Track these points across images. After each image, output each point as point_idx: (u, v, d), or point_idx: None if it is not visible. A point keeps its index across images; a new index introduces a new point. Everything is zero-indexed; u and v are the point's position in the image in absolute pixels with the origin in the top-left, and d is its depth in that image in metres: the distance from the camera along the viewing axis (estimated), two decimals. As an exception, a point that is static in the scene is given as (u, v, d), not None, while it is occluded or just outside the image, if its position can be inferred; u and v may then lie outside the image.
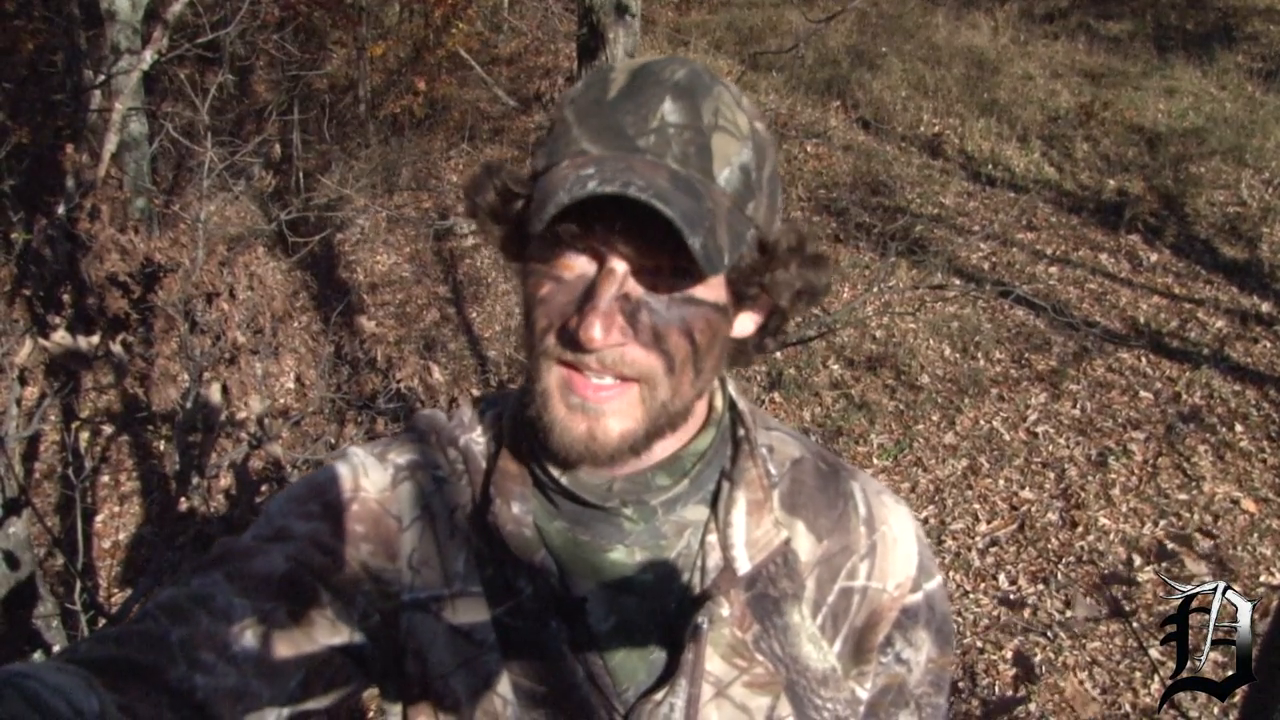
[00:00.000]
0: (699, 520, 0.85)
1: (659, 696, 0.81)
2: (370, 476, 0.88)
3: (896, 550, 0.90)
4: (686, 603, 0.84)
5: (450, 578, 0.85)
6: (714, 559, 0.84)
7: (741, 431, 0.89)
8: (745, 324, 0.84)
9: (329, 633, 0.80)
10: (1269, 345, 5.92)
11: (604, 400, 0.75)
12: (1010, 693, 3.76)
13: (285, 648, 0.77)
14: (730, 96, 0.77)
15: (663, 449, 0.83)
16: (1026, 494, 4.97)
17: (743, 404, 0.91)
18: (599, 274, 0.73)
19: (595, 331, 0.71)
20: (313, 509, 0.85)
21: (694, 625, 0.81)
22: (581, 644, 0.83)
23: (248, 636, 0.75)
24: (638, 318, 0.74)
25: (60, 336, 2.79)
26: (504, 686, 0.82)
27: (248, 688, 0.74)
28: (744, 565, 0.84)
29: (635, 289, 0.74)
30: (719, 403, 0.89)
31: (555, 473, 0.83)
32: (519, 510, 0.84)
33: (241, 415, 3.25)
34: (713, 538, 0.85)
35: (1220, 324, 6.18)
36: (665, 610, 0.84)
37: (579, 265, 0.74)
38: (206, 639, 0.73)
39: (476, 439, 0.90)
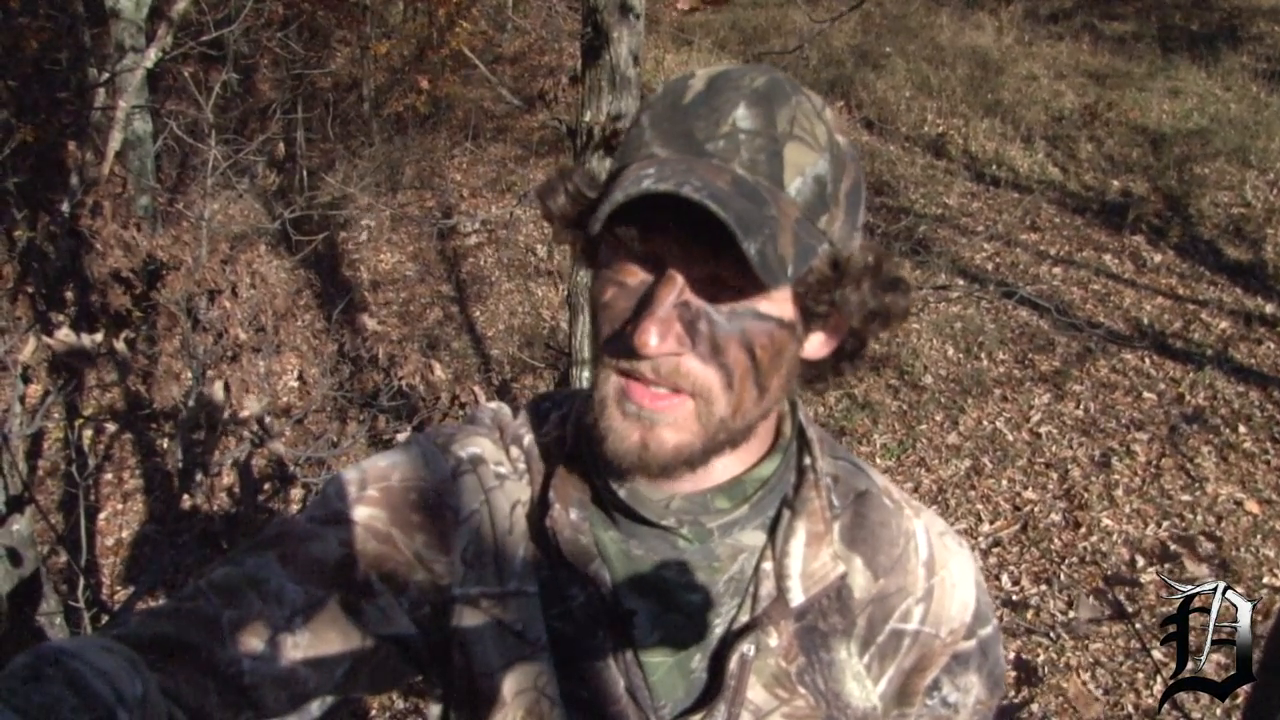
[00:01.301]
0: (755, 546, 0.84)
1: (696, 718, 0.81)
2: (431, 466, 0.87)
3: (954, 596, 0.88)
4: (734, 628, 0.83)
5: (505, 576, 0.84)
6: (767, 587, 0.82)
7: (807, 460, 0.87)
8: (816, 344, 0.81)
9: (379, 622, 0.80)
10: (1273, 346, 5.91)
11: (660, 410, 0.73)
12: (1013, 693, 3.76)
13: (334, 636, 0.77)
14: (811, 106, 0.74)
15: (724, 470, 0.81)
16: (1029, 494, 4.96)
17: (812, 431, 0.89)
18: (658, 280, 0.71)
19: (651, 338, 0.69)
20: (371, 494, 0.85)
21: (740, 652, 0.80)
22: (625, 656, 0.82)
23: (298, 622, 0.75)
24: (696, 327, 0.71)
25: (64, 334, 2.79)
26: (552, 688, 0.81)
27: (294, 674, 0.74)
28: (797, 597, 0.82)
29: (696, 298, 0.71)
30: (787, 428, 0.87)
31: (614, 485, 0.82)
32: (576, 517, 0.83)
33: (244, 413, 3.25)
34: (768, 565, 0.83)
35: (1224, 325, 6.18)
36: (711, 632, 0.83)
37: (641, 272, 0.73)
38: (257, 622, 0.73)
39: (541, 439, 0.89)
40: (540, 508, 0.85)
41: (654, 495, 0.81)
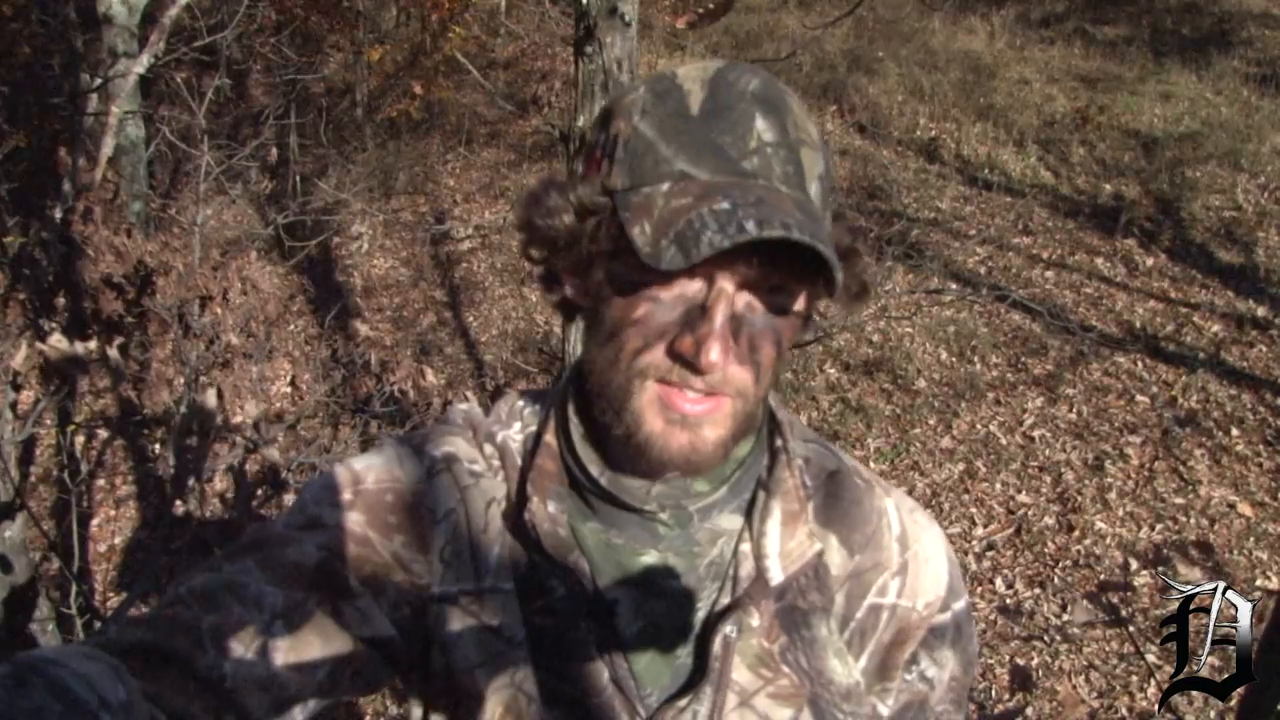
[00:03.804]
0: (733, 529, 0.85)
1: (683, 703, 0.81)
2: (405, 467, 0.88)
3: (928, 569, 0.90)
4: (716, 611, 0.84)
5: (482, 573, 0.84)
6: (746, 568, 0.84)
7: (779, 441, 0.89)
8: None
9: (359, 624, 0.80)
10: (1264, 349, 5.93)
11: (703, 414, 0.75)
12: (1007, 697, 3.76)
13: (315, 639, 0.77)
14: (798, 103, 0.77)
15: None
16: (1023, 498, 4.97)
17: (781, 414, 0.91)
18: (711, 295, 0.72)
19: (714, 355, 0.70)
20: (347, 498, 0.85)
21: (722, 634, 0.81)
22: (608, 646, 0.83)
23: (278, 626, 0.75)
24: (740, 334, 0.73)
25: (57, 340, 2.78)
26: (530, 685, 0.82)
27: (276, 677, 0.74)
28: (776, 576, 0.84)
29: (739, 305, 0.74)
30: (759, 411, 0.89)
31: (595, 473, 0.83)
32: (555, 509, 0.84)
33: (237, 419, 3.25)
34: (746, 547, 0.84)
35: (1216, 328, 6.19)
36: (694, 617, 0.84)
37: (678, 285, 0.73)
38: (237, 627, 0.73)
39: (514, 436, 0.90)
40: (518, 503, 0.85)
41: (635, 483, 0.82)
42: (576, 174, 0.79)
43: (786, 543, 0.84)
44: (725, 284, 0.72)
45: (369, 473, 0.87)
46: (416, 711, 0.89)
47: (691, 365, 0.72)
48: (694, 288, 0.73)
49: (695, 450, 0.76)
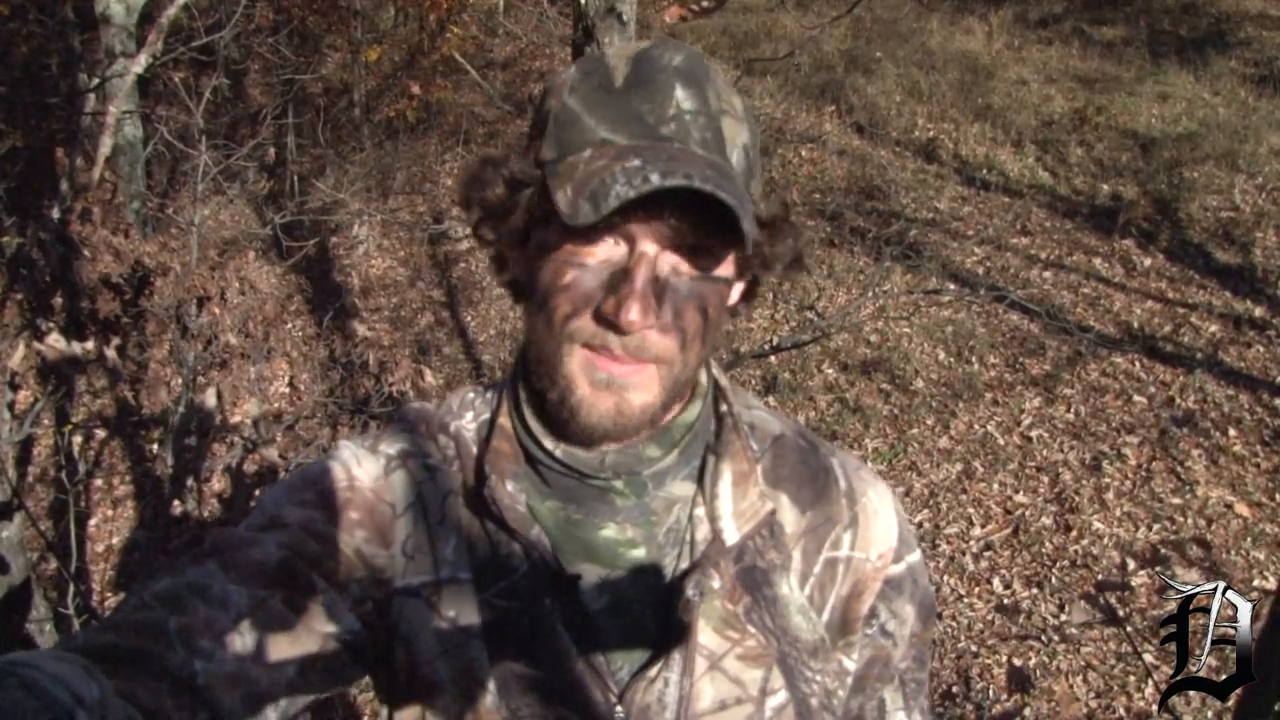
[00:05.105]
0: (687, 495, 0.87)
1: (653, 672, 0.82)
2: (363, 466, 0.89)
3: (878, 521, 0.92)
4: (677, 577, 0.85)
5: (439, 564, 0.85)
6: (703, 532, 0.86)
7: (724, 406, 0.91)
8: (736, 292, 0.87)
9: (324, 620, 0.80)
10: (1262, 350, 5.93)
11: (627, 375, 0.77)
12: (1005, 697, 3.76)
13: (281, 634, 0.77)
14: (722, 79, 0.79)
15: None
16: (1021, 498, 4.97)
17: (723, 380, 0.93)
18: (632, 257, 0.75)
19: (634, 314, 0.73)
20: (307, 498, 0.86)
21: (685, 598, 0.82)
22: (575, 623, 0.83)
23: (244, 624, 0.75)
24: (664, 298, 0.76)
25: (54, 340, 2.78)
26: (485, 674, 0.82)
27: (246, 674, 0.74)
28: (732, 536, 0.85)
29: (662, 269, 0.76)
30: (703, 377, 0.91)
31: (549, 446, 0.84)
32: (513, 488, 0.85)
33: (235, 419, 3.25)
34: (700, 511, 0.87)
35: (1214, 328, 6.20)
36: (657, 586, 0.85)
37: (602, 250, 0.75)
38: (204, 626, 0.73)
39: (467, 425, 0.91)
40: (476, 483, 0.87)
41: (588, 453, 0.84)
42: (517, 151, 0.82)
43: (739, 503, 0.86)
44: (646, 246, 0.74)
45: (326, 474, 0.88)
46: (384, 707, 0.90)
47: (615, 326, 0.74)
48: (619, 252, 0.75)
49: (621, 414, 0.78)
